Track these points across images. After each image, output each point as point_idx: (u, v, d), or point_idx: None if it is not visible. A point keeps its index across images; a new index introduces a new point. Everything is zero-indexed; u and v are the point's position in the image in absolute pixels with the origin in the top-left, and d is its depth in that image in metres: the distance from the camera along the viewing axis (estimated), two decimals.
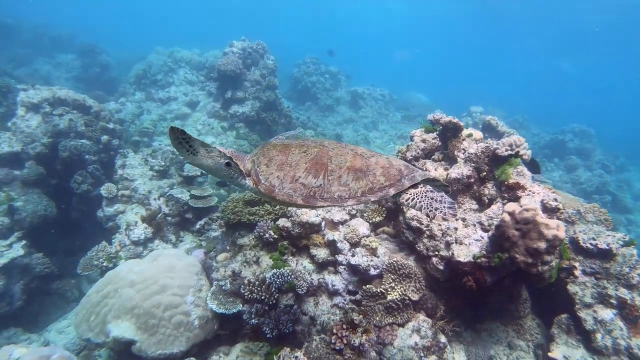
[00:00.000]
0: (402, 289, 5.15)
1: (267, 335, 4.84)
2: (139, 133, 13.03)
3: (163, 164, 8.29)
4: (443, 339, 5.09)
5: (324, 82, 23.43)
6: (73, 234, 8.57)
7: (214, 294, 5.38)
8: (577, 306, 5.04)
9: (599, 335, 4.92)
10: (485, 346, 5.36)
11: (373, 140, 19.32)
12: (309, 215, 5.83)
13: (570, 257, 5.21)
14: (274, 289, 5.26)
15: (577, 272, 5.14)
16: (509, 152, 4.82)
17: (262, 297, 5.15)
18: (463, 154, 5.30)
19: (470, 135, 5.35)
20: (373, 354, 4.26)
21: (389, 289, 5.20)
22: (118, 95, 16.79)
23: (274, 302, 5.21)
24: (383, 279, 5.31)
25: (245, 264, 6.05)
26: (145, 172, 8.25)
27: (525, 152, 4.83)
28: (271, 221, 6.19)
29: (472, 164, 5.11)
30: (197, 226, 7.61)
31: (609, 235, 5.12)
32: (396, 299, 5.07)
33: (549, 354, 5.10)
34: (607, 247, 4.94)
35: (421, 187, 3.22)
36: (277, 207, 6.46)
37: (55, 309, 7.54)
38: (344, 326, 3.86)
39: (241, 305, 5.29)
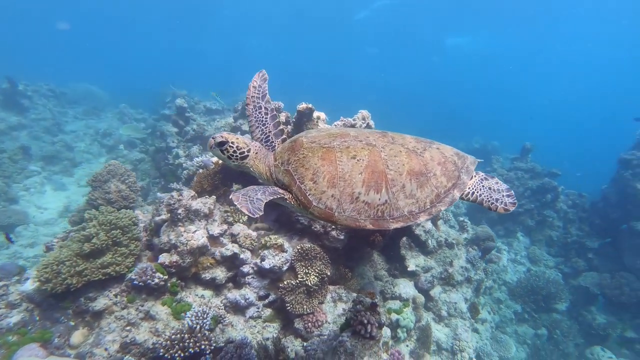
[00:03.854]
0: (316, 270, 5.41)
1: None
2: None
3: None
4: (354, 294, 5.82)
5: None
6: None
7: None
8: (413, 227, 6.83)
9: (429, 241, 6.92)
10: (369, 286, 6.46)
11: (74, 144, 15.66)
12: (196, 239, 4.99)
13: None
14: (205, 331, 4.42)
15: None
16: (364, 124, 5.77)
17: (203, 347, 4.25)
18: None
19: (319, 117, 5.90)
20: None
21: (305, 276, 5.36)
22: None
23: (215, 345, 4.42)
24: (296, 269, 5.37)
25: (129, 327, 4.64)
26: None
27: (372, 122, 5.90)
28: (147, 261, 4.91)
29: None
30: None
31: None
32: (316, 281, 5.32)
33: (408, 269, 6.76)
34: None
35: (475, 176, 3.16)
36: (134, 245, 5.10)
37: None
38: (368, 313, 3.89)
39: None
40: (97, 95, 22.84)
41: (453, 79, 55.63)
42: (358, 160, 2.83)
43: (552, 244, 11.85)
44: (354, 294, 5.80)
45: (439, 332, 6.57)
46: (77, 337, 4.59)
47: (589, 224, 11.90)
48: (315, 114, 5.97)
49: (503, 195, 3.17)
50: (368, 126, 5.87)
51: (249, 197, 2.56)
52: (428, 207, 2.88)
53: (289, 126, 6.16)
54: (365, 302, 4.04)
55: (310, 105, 5.75)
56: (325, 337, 4.77)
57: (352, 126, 5.79)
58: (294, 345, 5.11)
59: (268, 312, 5.40)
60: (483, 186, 3.19)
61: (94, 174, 6.26)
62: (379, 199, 2.78)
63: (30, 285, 5.15)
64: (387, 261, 7.03)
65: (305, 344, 4.65)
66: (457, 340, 6.45)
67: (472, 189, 3.17)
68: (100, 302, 4.76)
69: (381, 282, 6.53)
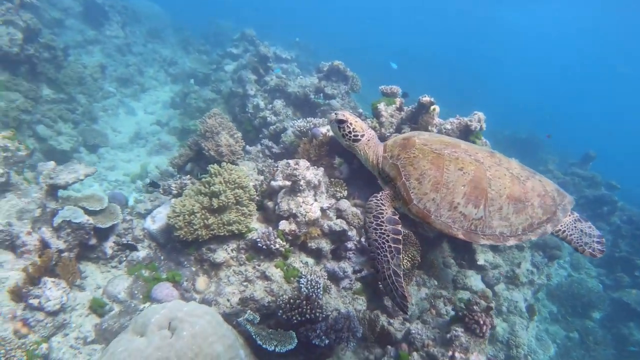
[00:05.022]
0: (410, 255, 5.77)
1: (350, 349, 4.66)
2: None
3: (1, 171, 5.00)
4: (436, 281, 6.24)
5: None
6: None
7: (258, 335, 4.49)
8: None
9: None
10: (442, 271, 6.85)
11: (144, 69, 15.66)
12: (313, 212, 5.35)
13: None
14: (319, 300, 4.88)
15: None
16: (478, 126, 5.89)
17: (317, 314, 4.72)
18: (436, 128, 5.97)
19: (434, 109, 5.99)
20: None
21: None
22: None
23: (325, 313, 4.89)
24: None
25: (247, 282, 5.14)
26: None
27: (485, 125, 5.99)
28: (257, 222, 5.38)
29: None
30: (108, 251, 5.37)
31: None
32: (409, 265, 5.70)
33: (477, 262, 7.10)
34: None
35: (569, 216, 3.25)
36: (252, 206, 5.50)
37: None
38: (484, 314, 4.30)
39: (294, 334, 4.66)
40: (158, 15, 22.26)
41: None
42: (464, 173, 3.00)
43: None
44: (435, 281, 6.22)
45: (497, 325, 7.04)
46: (201, 283, 5.11)
47: None
48: (432, 106, 6.08)
49: (593, 241, 3.28)
50: (481, 129, 5.97)
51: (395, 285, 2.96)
52: (519, 233, 3.01)
53: (402, 112, 6.29)
54: (481, 304, 4.42)
55: (432, 99, 5.85)
56: (429, 324, 5.24)
57: (466, 125, 5.90)
58: (381, 320, 5.58)
59: (358, 285, 5.85)
60: (575, 227, 3.30)
61: (208, 125, 6.48)
62: (475, 214, 2.95)
63: (151, 224, 5.64)
64: (452, 249, 7.37)
65: (409, 326, 5.09)
66: (514, 336, 6.92)
67: (565, 227, 3.27)
68: (220, 255, 5.22)
69: (451, 271, 6.91)
